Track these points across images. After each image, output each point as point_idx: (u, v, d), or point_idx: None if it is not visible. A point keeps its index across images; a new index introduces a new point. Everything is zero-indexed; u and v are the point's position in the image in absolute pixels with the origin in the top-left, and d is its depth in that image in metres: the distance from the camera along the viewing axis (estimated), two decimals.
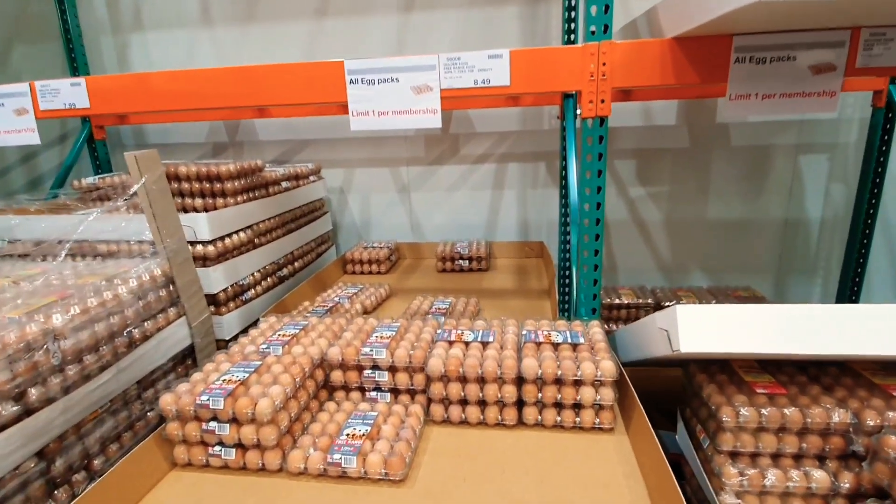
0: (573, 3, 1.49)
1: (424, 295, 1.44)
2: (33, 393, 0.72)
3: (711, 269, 1.91)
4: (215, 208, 1.23)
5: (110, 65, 1.99)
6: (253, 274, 1.35)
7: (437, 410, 0.89)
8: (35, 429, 0.71)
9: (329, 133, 1.97)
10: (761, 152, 1.76)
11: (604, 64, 0.95)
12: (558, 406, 0.86)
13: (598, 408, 0.85)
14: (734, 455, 0.75)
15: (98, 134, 1.88)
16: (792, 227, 1.82)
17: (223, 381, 0.82)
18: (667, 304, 1.50)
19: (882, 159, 1.49)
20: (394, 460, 0.75)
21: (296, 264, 1.61)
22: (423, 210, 2.01)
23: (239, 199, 1.30)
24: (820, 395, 0.77)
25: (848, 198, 1.71)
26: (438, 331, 1.00)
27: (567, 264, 1.65)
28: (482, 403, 0.88)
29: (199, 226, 1.18)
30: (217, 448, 0.80)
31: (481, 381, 0.87)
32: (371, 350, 0.91)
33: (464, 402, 0.89)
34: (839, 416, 0.72)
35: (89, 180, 1.37)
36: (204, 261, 1.19)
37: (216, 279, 1.20)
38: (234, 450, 0.79)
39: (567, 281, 1.65)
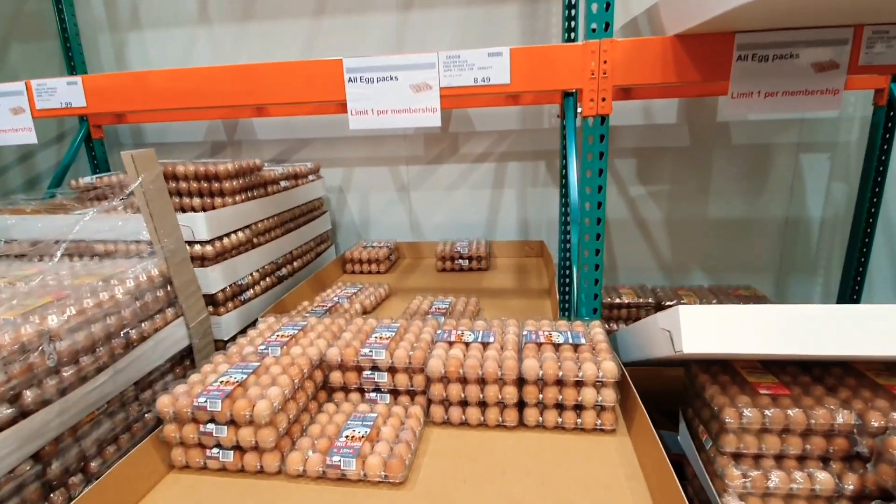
0: (573, 1, 1.48)
1: (424, 295, 1.43)
2: (28, 395, 0.71)
3: (712, 269, 1.90)
4: (213, 208, 1.22)
5: (108, 63, 1.98)
6: (251, 274, 1.34)
7: (437, 412, 0.88)
8: (30, 431, 0.70)
9: (328, 132, 1.97)
10: (762, 151, 1.76)
11: (605, 62, 0.95)
12: (559, 407, 0.86)
13: (600, 409, 0.85)
14: (737, 456, 0.74)
15: (96, 133, 1.87)
16: (793, 226, 1.82)
17: (221, 382, 0.81)
18: (667, 303, 1.50)
19: (883, 158, 1.49)
20: (393, 462, 0.74)
21: (295, 264, 1.60)
22: (422, 209, 2.01)
23: (237, 198, 1.29)
24: (823, 395, 0.77)
25: (849, 197, 1.71)
26: (438, 331, 0.99)
27: (567, 264, 1.65)
28: (483, 405, 0.87)
29: (198, 225, 1.17)
30: (215, 450, 0.79)
31: (482, 382, 0.86)
32: (370, 351, 0.91)
33: (464, 404, 0.88)
34: (843, 418, 0.72)
35: (87, 180, 1.37)
36: (202, 261, 1.18)
37: (214, 279, 1.19)
38: (231, 452, 0.78)
39: (567, 280, 1.65)
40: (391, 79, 1.00)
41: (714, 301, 1.50)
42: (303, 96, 1.06)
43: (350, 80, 1.01)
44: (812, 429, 0.72)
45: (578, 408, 0.85)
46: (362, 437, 0.79)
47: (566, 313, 1.61)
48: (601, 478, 0.75)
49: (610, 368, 0.83)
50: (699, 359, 0.87)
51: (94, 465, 0.82)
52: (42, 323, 0.75)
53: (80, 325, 0.79)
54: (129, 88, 1.13)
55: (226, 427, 0.77)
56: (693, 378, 0.87)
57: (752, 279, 1.78)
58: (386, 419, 0.85)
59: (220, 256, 1.21)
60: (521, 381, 0.86)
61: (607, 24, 0.94)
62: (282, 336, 0.98)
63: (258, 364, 0.87)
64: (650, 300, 1.52)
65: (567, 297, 1.65)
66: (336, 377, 0.93)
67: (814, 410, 0.72)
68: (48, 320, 0.76)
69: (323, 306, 1.34)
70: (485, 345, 0.93)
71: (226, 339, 1.22)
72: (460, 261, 1.75)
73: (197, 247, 1.17)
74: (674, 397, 0.95)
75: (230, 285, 1.25)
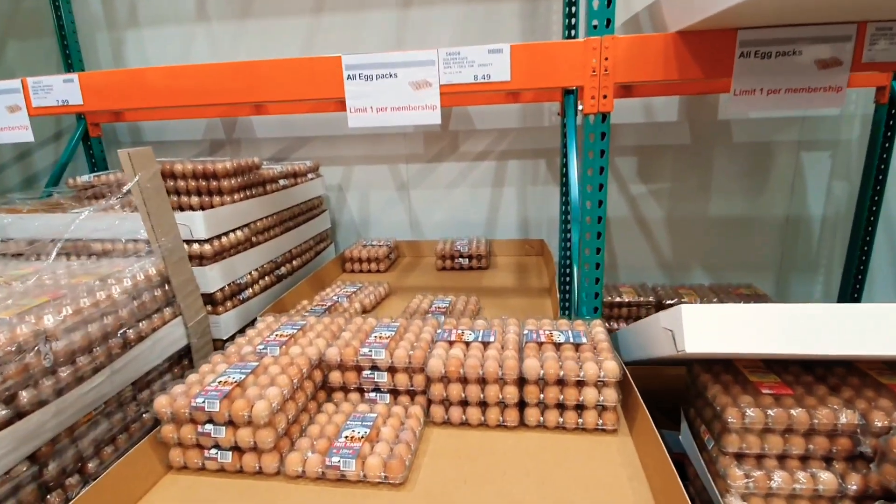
0: None
1: (424, 293, 1.42)
2: (25, 396, 0.70)
3: (713, 267, 1.90)
4: (212, 206, 1.22)
5: (105, 61, 1.97)
6: (250, 273, 1.34)
7: (438, 412, 0.88)
8: (27, 432, 0.70)
9: (327, 130, 1.96)
10: (763, 149, 1.75)
11: (606, 59, 0.94)
12: (561, 407, 0.85)
13: (602, 409, 0.84)
14: (739, 456, 0.74)
15: (93, 131, 1.86)
16: (794, 225, 1.81)
17: (219, 382, 0.81)
18: (668, 302, 1.49)
19: (885, 156, 1.48)
20: (393, 463, 0.74)
21: (294, 263, 1.59)
22: (422, 208, 2.00)
23: (236, 196, 1.28)
24: (826, 395, 0.76)
25: (850, 195, 1.70)
26: (438, 331, 0.98)
27: (568, 262, 1.64)
28: (483, 404, 0.87)
29: (196, 224, 1.16)
30: (213, 451, 0.78)
31: (482, 381, 0.86)
32: (370, 350, 0.90)
33: (464, 404, 0.87)
34: (846, 417, 0.71)
35: (84, 178, 1.36)
36: (200, 259, 1.17)
37: (213, 278, 1.18)
38: (230, 453, 0.78)
39: (568, 279, 1.64)
40: (390, 76, 1.00)
41: (715, 300, 1.49)
42: (302, 93, 1.06)
43: (349, 77, 1.01)
44: (815, 429, 0.72)
45: (580, 408, 0.85)
46: (362, 437, 0.78)
47: (567, 312, 1.61)
48: (602, 478, 0.74)
49: (612, 368, 0.82)
50: (701, 358, 0.87)
51: (91, 465, 0.81)
52: (38, 323, 0.74)
53: (76, 324, 0.79)
54: (127, 86, 1.12)
55: (224, 427, 0.77)
56: (695, 377, 0.86)
57: (753, 278, 1.78)
58: (386, 419, 0.84)
59: (218, 255, 1.20)
60: (521, 381, 0.85)
61: (608, 21, 0.93)
62: (281, 336, 0.97)
63: (257, 364, 0.86)
64: (651, 299, 1.51)
65: (568, 295, 1.64)
66: (335, 377, 0.92)
67: (817, 410, 0.72)
68: (44, 320, 0.75)
69: (322, 305, 1.34)
70: (485, 344, 0.92)
71: (224, 338, 1.21)
72: (460, 259, 1.74)
73: (195, 245, 1.17)
74: (673, 395, 0.94)
75: (229, 284, 1.24)
